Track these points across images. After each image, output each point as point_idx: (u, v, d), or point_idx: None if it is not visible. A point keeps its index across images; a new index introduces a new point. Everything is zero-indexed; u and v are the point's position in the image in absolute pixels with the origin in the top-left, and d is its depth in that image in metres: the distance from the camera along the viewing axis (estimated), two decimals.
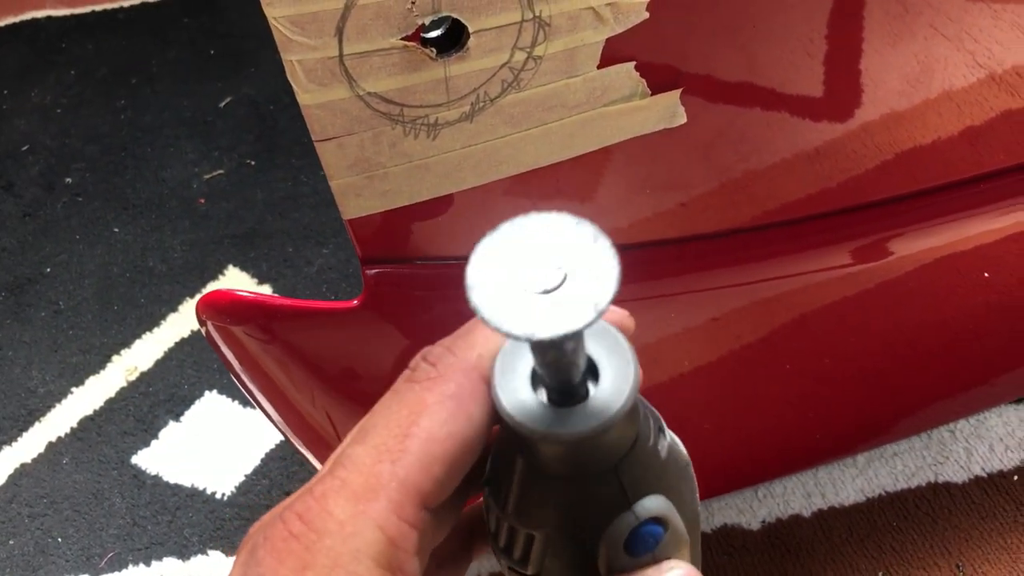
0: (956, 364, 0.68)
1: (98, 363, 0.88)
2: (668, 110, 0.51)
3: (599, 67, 0.47)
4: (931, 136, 0.57)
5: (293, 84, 0.43)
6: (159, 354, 0.88)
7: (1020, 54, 0.55)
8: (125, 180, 1.04)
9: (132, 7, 1.27)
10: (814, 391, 0.66)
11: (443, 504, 0.29)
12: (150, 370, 0.87)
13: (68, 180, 1.05)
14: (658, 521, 0.28)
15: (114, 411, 0.84)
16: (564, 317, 0.22)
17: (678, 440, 0.32)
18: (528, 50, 0.45)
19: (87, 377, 0.87)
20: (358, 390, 0.56)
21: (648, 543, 0.28)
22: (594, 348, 0.27)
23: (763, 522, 0.72)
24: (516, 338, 0.22)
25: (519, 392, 0.27)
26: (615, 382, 0.26)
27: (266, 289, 0.93)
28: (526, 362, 0.27)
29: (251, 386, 0.55)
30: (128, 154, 1.07)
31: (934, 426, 0.74)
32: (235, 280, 0.94)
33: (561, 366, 0.25)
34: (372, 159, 0.47)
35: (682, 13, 0.50)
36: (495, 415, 0.28)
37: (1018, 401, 0.76)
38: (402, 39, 0.42)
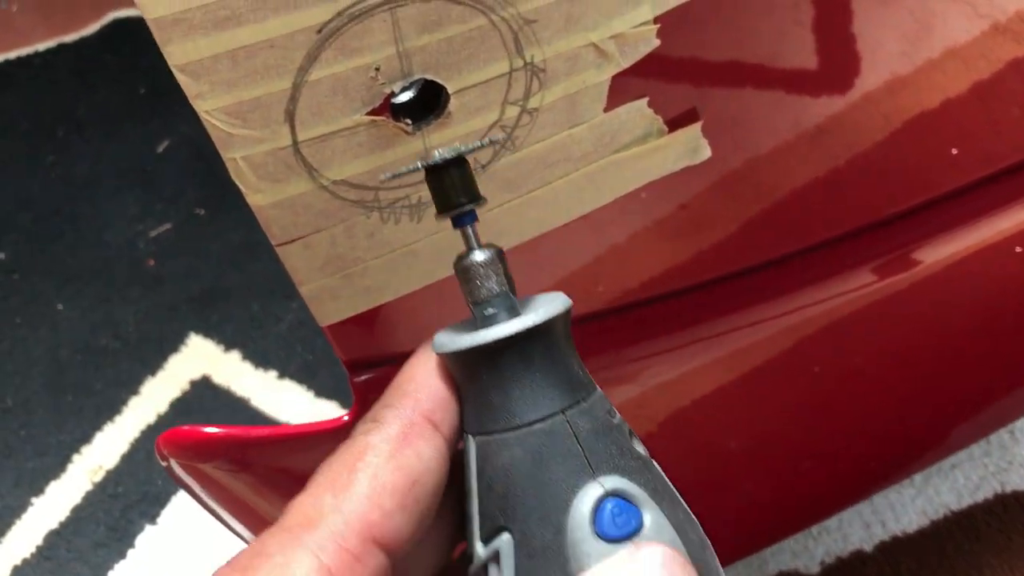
0: (1007, 360, 0.64)
1: (58, 465, 0.80)
2: (689, 145, 0.43)
3: (606, 110, 0.39)
4: (938, 97, 0.53)
5: (240, 185, 0.35)
6: (124, 447, 0.80)
7: None
8: (64, 248, 0.95)
9: (48, 50, 1.17)
10: (860, 413, 0.62)
11: (416, 559, 0.28)
12: (116, 467, 0.79)
13: (1, 255, 0.96)
14: (630, 501, 0.27)
15: (82, 520, 0.76)
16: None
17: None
18: (521, 103, 0.37)
19: (47, 483, 0.79)
20: None
21: (621, 526, 0.26)
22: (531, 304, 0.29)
23: (822, 563, 0.66)
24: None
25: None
26: (536, 309, 0.28)
27: (234, 356, 0.85)
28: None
29: (221, 513, 0.48)
30: (64, 217, 0.98)
31: (992, 431, 0.70)
32: (199, 350, 0.85)
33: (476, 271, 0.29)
34: (347, 255, 0.39)
35: (696, 27, 0.43)
36: (451, 457, 0.28)
37: None
38: (368, 113, 0.34)
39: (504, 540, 0.27)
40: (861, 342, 0.57)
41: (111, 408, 0.83)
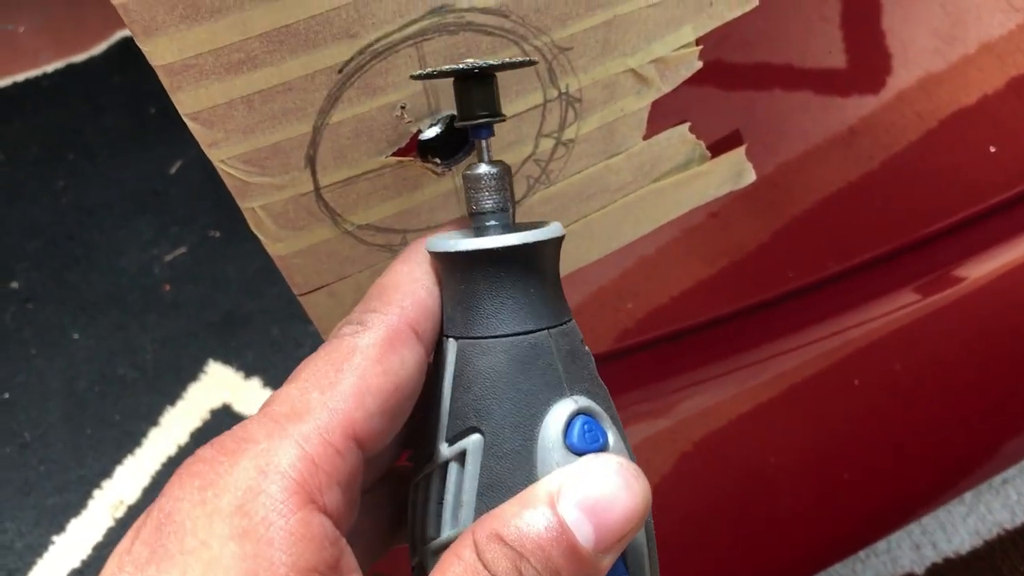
0: None
1: (78, 502, 0.78)
2: (733, 169, 0.40)
3: (645, 137, 0.37)
4: (974, 94, 0.53)
5: (259, 235, 0.32)
6: (145, 481, 0.78)
7: None
8: (77, 275, 0.93)
9: (56, 71, 1.15)
10: (906, 430, 0.60)
11: (376, 461, 0.29)
12: (138, 502, 0.77)
13: (14, 285, 0.94)
14: (598, 421, 0.28)
15: (105, 559, 0.73)
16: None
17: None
18: (556, 135, 0.35)
19: (68, 521, 0.77)
20: None
21: (589, 441, 0.28)
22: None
23: None
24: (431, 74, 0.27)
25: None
26: (535, 231, 0.29)
27: (255, 383, 0.82)
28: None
29: None
30: (76, 243, 0.96)
31: None
32: (218, 377, 0.83)
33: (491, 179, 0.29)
34: None
35: (738, 43, 0.41)
36: (426, 364, 0.28)
37: None
38: (394, 154, 0.32)
39: (473, 440, 0.28)
40: (905, 359, 0.56)
41: (131, 440, 0.80)
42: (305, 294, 0.35)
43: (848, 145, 0.52)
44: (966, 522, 0.63)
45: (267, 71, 0.28)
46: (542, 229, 0.29)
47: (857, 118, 0.51)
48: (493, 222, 0.29)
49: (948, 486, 0.66)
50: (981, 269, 0.55)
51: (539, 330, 0.28)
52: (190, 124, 0.29)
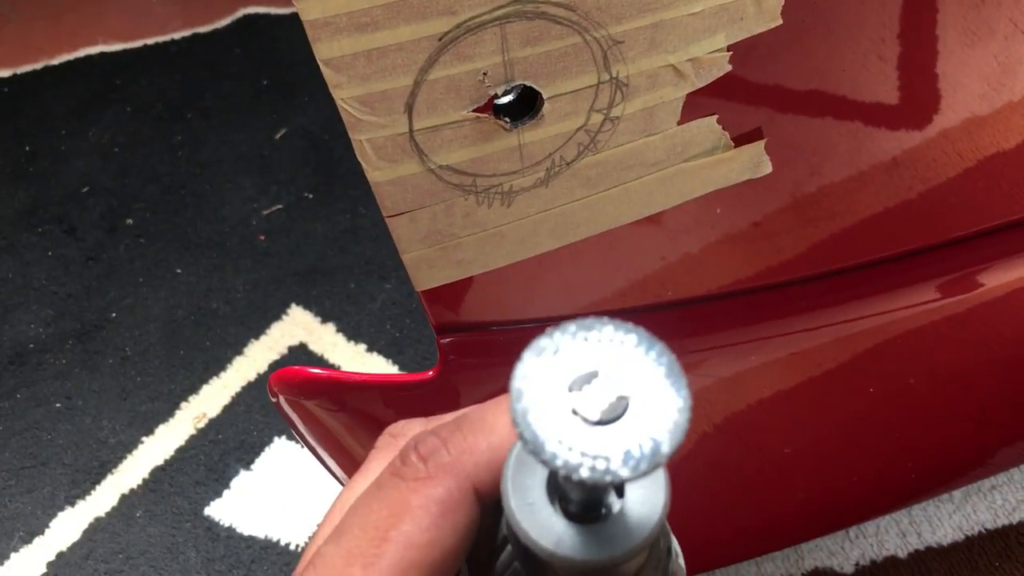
0: None
1: (167, 411, 0.88)
2: (752, 160, 0.48)
3: (679, 123, 0.45)
4: (1015, 139, 0.55)
5: (363, 162, 0.41)
6: (226, 400, 0.87)
7: None
8: (185, 219, 1.04)
9: (183, 39, 1.27)
10: (906, 424, 0.63)
11: None
12: (218, 416, 0.86)
13: (129, 221, 1.05)
14: None
15: (185, 460, 0.84)
16: (617, 458, 0.19)
17: (680, 555, 0.29)
18: (605, 111, 0.43)
19: (157, 426, 0.87)
20: None
21: None
22: None
23: (856, 564, 0.69)
24: (558, 471, 0.20)
25: (532, 500, 0.24)
26: (644, 503, 0.23)
27: (330, 328, 0.92)
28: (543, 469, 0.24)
29: (315, 446, 0.54)
30: (187, 192, 1.07)
31: None
32: (298, 319, 0.92)
33: (594, 494, 0.23)
34: (445, 230, 0.45)
35: (766, 54, 0.48)
36: (481, 524, 0.26)
37: None
38: (474, 111, 0.40)
39: None
40: (916, 360, 0.59)
41: (218, 364, 0.90)
42: (392, 216, 0.44)
43: (890, 174, 0.54)
44: (952, 518, 0.69)
45: (385, 33, 0.37)
46: (642, 533, 0.23)
47: (901, 150, 0.53)
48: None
49: (941, 483, 0.71)
50: (999, 278, 0.58)
51: None
52: (323, 68, 0.38)
